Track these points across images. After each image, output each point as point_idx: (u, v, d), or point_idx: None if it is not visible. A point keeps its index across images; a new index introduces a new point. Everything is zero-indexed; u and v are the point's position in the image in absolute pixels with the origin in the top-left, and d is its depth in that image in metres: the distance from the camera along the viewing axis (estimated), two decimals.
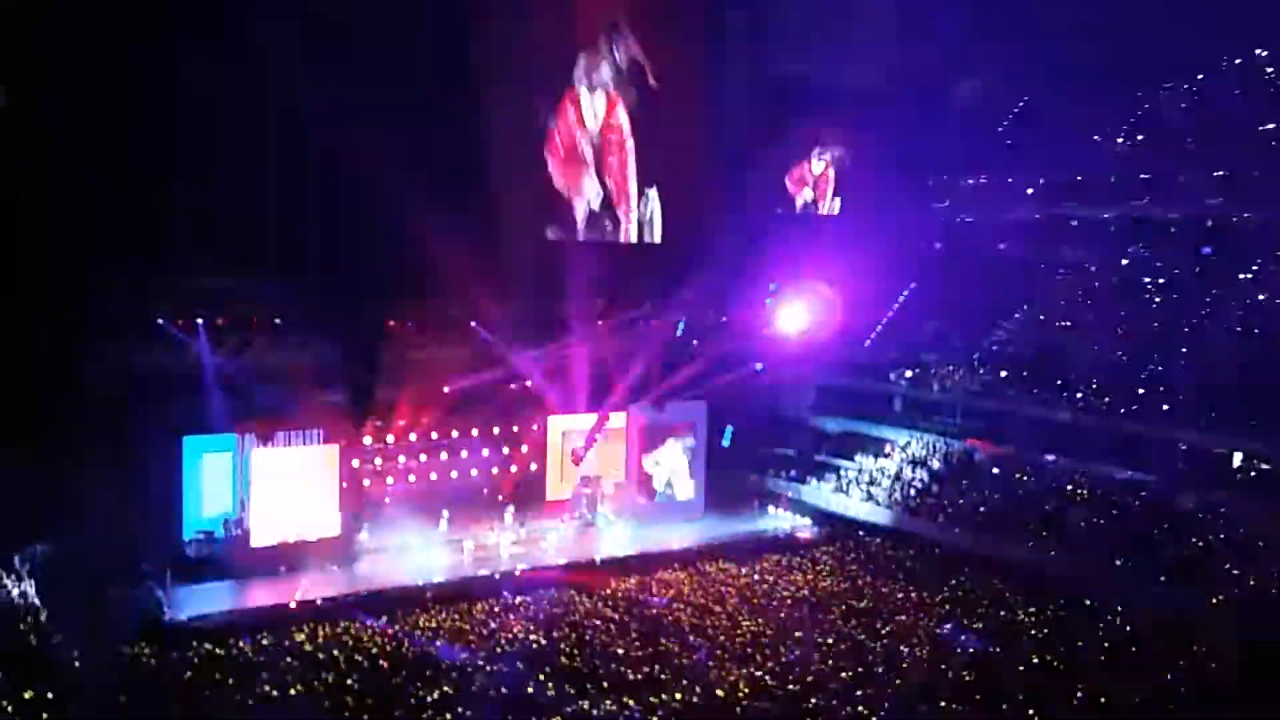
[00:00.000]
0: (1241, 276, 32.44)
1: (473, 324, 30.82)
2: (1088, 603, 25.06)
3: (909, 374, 36.52)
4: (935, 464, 33.70)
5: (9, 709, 15.67)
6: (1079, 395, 31.78)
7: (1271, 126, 33.61)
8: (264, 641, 21.96)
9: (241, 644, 21.74)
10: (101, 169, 24.60)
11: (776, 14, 34.95)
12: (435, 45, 27.54)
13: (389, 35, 26.89)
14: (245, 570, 26.24)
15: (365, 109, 25.62)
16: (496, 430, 32.85)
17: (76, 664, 19.14)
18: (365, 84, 26.01)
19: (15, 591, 21.84)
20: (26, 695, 16.81)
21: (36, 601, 21.76)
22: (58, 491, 25.26)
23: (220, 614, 23.58)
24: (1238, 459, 28.49)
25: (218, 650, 21.46)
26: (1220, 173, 33.72)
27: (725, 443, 35.29)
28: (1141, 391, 30.67)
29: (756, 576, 27.77)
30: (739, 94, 34.19)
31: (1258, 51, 35.49)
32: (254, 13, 25.19)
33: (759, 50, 34.66)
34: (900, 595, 26.23)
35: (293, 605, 24.28)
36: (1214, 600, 24.11)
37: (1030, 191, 38.62)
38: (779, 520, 33.47)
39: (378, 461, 30.71)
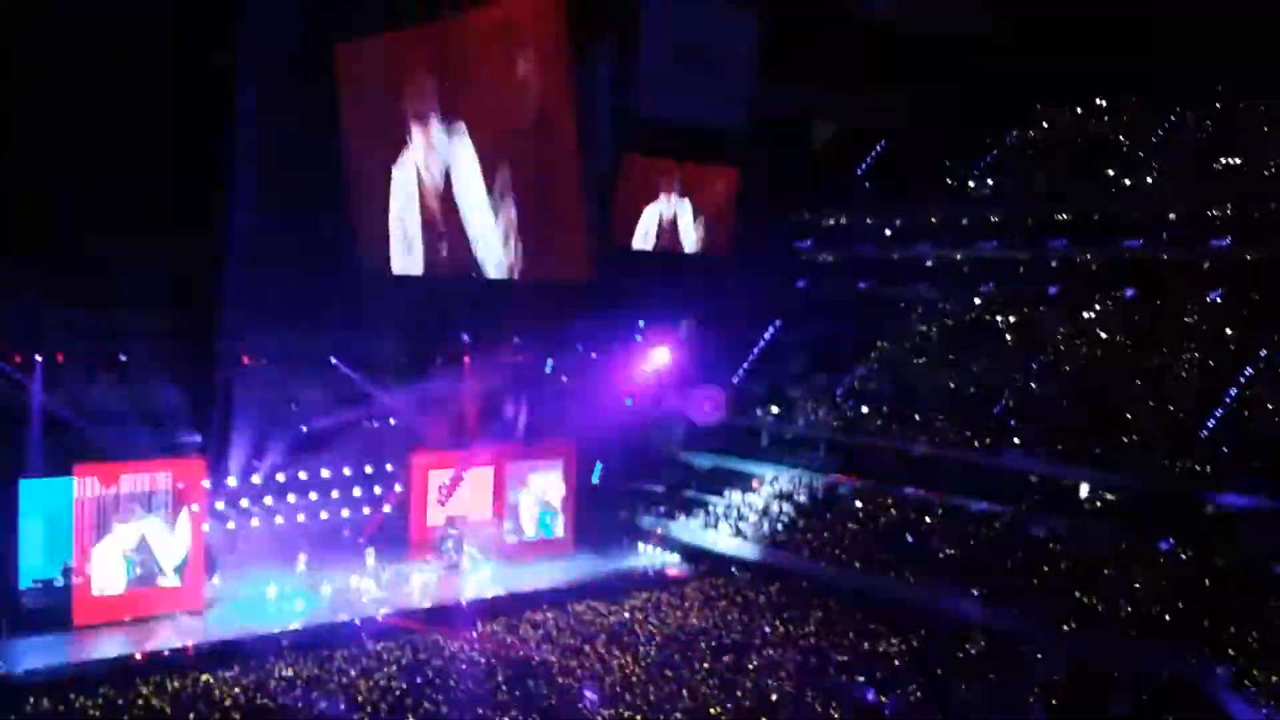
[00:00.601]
0: (1085, 315, 34.02)
1: (333, 360, 29.96)
2: (946, 630, 25.68)
3: (775, 409, 37.06)
4: (801, 498, 34.18)
5: None
6: (935, 429, 32.75)
7: (1111, 173, 35.70)
8: (106, 695, 20.69)
9: (82, 699, 20.43)
10: None
11: (640, 55, 35.19)
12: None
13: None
14: (85, 620, 24.75)
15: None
16: (362, 470, 31.92)
17: None
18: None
19: None
20: None
21: None
22: None
23: (59, 667, 22.16)
24: (1084, 489, 29.71)
25: (57, 707, 20.15)
26: (1065, 216, 35.64)
27: (595, 479, 35.11)
28: (994, 425, 31.79)
29: (627, 615, 27.57)
30: (599, 130, 34.09)
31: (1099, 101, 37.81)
32: None
33: (620, 88, 34.74)
34: (768, 629, 26.39)
35: (138, 657, 22.97)
36: (1063, 625, 24.95)
37: (888, 232, 40.04)
38: (649, 557, 33.39)
39: (232, 504, 29.40)
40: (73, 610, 25.01)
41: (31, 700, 20.44)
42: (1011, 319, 36.03)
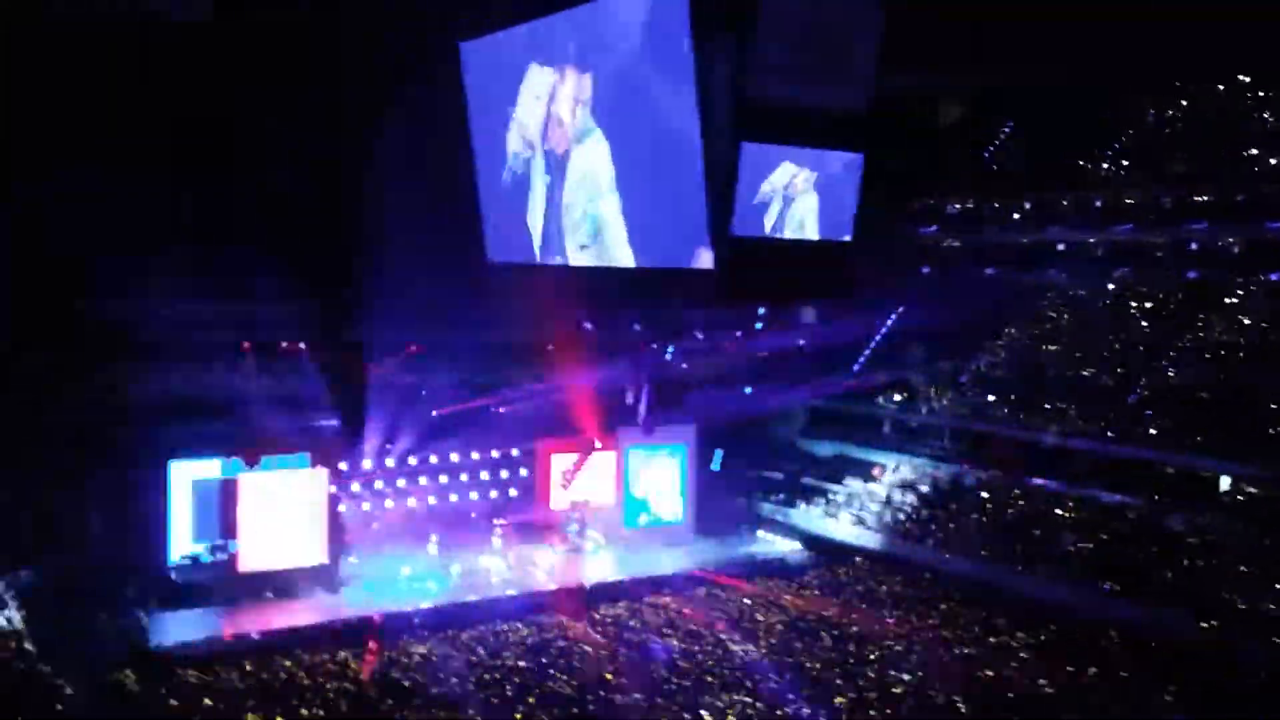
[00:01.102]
0: (1227, 300, 32.63)
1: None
2: (1078, 626, 25.08)
3: (898, 397, 36.61)
4: (924, 488, 33.73)
5: None
6: (1066, 418, 31.87)
7: (1255, 152, 34.00)
8: (249, 669, 21.80)
9: (227, 672, 21.57)
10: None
11: (760, 40, 34.86)
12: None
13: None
14: (231, 597, 26.11)
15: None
16: (489, 454, 32.76)
17: (63, 692, 18.94)
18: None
19: (1, 618, 21.65)
20: None
21: (21, 628, 21.60)
22: (44, 516, 25.25)
23: (205, 641, 23.42)
24: (1225, 482, 28.57)
25: (204, 678, 21.28)
26: (1205, 198, 34.12)
27: (715, 466, 35.27)
28: (1128, 414, 30.79)
29: (747, 601, 27.70)
30: (718, 117, 33.89)
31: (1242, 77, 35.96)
32: None
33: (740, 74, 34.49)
34: (890, 620, 26.20)
35: (279, 632, 24.14)
36: (1204, 624, 24.11)
37: (1016, 216, 38.99)
38: (768, 544, 33.43)
39: (367, 486, 30.58)
40: (218, 585, 26.38)
41: (179, 671, 21.58)
42: (1147, 305, 34.74)
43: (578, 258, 30.63)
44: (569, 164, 29.84)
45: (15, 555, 24.32)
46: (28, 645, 20.70)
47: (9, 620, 21.75)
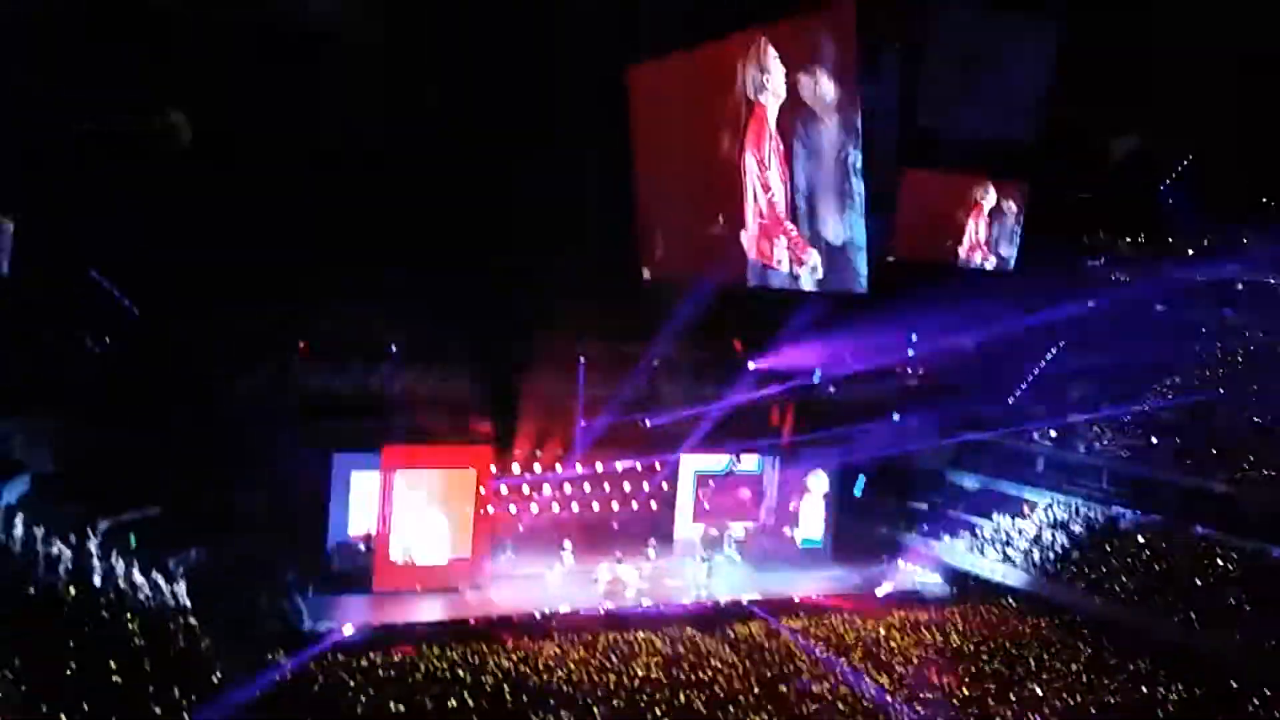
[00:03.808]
0: None
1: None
2: (1233, 685, 23.80)
3: (1054, 434, 35.44)
4: (1078, 528, 32.52)
5: (157, 710, 16.53)
6: (1236, 465, 30.28)
7: None
8: (394, 658, 22.74)
9: (373, 658, 22.53)
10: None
11: (928, 67, 34.40)
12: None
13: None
14: (382, 586, 27.26)
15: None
16: (634, 466, 33.25)
17: (221, 668, 20.03)
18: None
19: (167, 592, 23.12)
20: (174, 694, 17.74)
21: (186, 603, 23.02)
22: (213, 499, 26.98)
23: (356, 627, 24.51)
24: None
25: (352, 662, 22.25)
26: None
27: (857, 492, 34.85)
28: None
29: (883, 631, 27.28)
30: (882, 144, 33.49)
31: None
32: None
33: (906, 101, 34.11)
34: (1033, 661, 25.37)
35: (424, 623, 25.15)
36: None
37: (1190, 252, 37.31)
38: (909, 575, 32.82)
39: (515, 489, 31.49)
40: (373, 575, 27.60)
41: (329, 655, 22.54)
42: None
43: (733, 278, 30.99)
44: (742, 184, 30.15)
45: (185, 534, 26.05)
46: (191, 621, 22.02)
47: (175, 595, 23.20)
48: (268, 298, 27.94)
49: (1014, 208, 35.28)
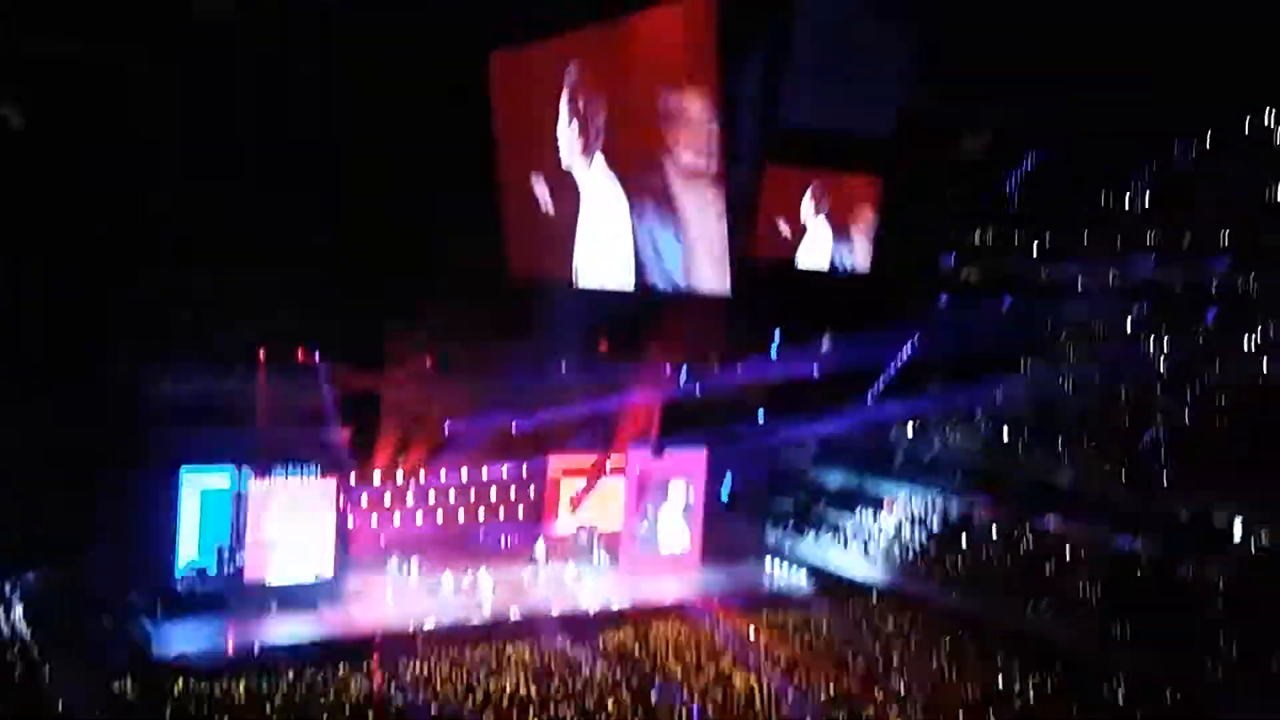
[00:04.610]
0: (1249, 339, 32.24)
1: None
2: (1085, 672, 24.79)
3: (909, 430, 36.38)
4: (935, 523, 33.45)
5: None
6: (1079, 457, 31.61)
7: None
8: (251, 683, 21.72)
9: (228, 684, 21.46)
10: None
11: (789, 64, 34.67)
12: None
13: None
14: (236, 607, 26.07)
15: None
16: (499, 473, 32.72)
17: (62, 698, 18.90)
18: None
19: (2, 620, 21.68)
20: None
21: (24, 630, 21.60)
22: (50, 518, 25.32)
23: (208, 652, 23.37)
24: (1238, 527, 28.22)
25: (203, 689, 21.16)
26: (1231, 235, 33.72)
27: (724, 495, 35.09)
28: (1144, 456, 30.50)
29: (752, 632, 27.49)
30: (742, 141, 33.52)
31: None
32: None
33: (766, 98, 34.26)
34: (896, 656, 25.92)
35: (282, 645, 24.10)
36: (1215, 672, 23.82)
37: (1035, 249, 38.69)
38: (776, 575, 33.18)
39: (372, 499, 30.57)
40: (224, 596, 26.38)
41: (179, 682, 21.32)
42: (1166, 343, 34.41)
43: (594, 280, 30.71)
44: (591, 184, 29.91)
45: (22, 556, 24.42)
46: (31, 649, 20.70)
47: (12, 622, 21.77)
48: (107, 299, 26.42)
49: (869, 204, 36.19)
